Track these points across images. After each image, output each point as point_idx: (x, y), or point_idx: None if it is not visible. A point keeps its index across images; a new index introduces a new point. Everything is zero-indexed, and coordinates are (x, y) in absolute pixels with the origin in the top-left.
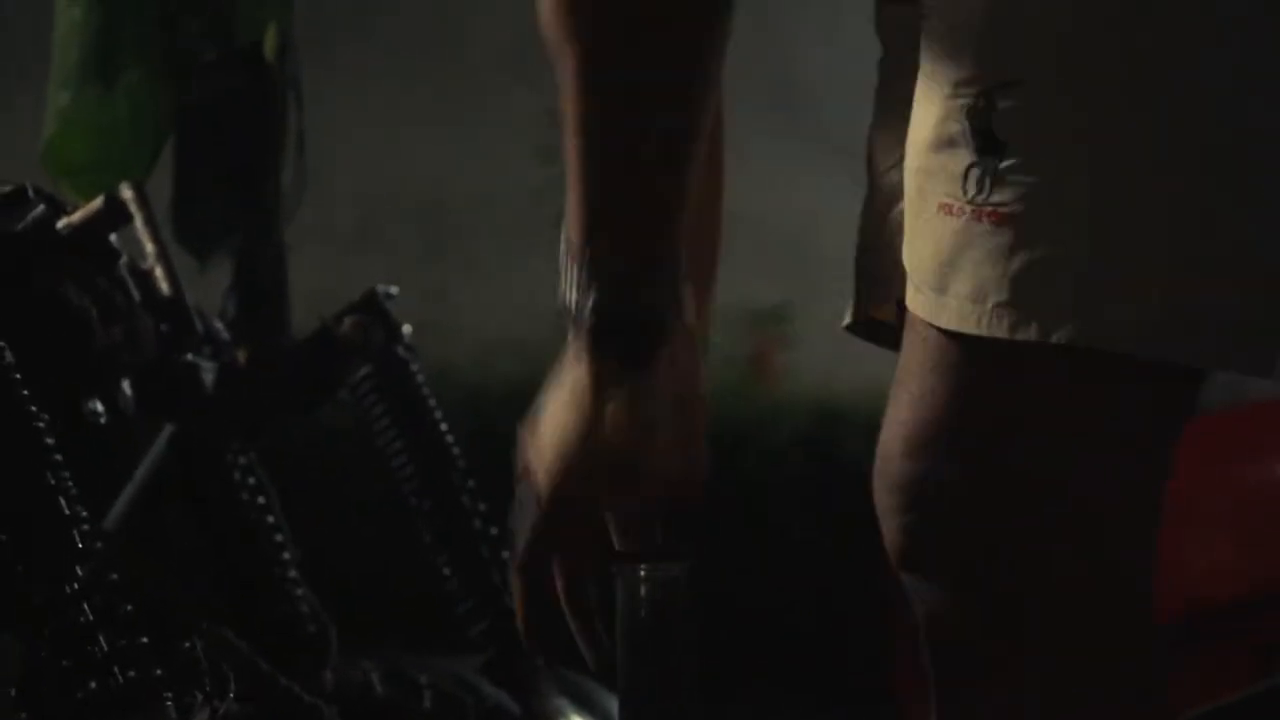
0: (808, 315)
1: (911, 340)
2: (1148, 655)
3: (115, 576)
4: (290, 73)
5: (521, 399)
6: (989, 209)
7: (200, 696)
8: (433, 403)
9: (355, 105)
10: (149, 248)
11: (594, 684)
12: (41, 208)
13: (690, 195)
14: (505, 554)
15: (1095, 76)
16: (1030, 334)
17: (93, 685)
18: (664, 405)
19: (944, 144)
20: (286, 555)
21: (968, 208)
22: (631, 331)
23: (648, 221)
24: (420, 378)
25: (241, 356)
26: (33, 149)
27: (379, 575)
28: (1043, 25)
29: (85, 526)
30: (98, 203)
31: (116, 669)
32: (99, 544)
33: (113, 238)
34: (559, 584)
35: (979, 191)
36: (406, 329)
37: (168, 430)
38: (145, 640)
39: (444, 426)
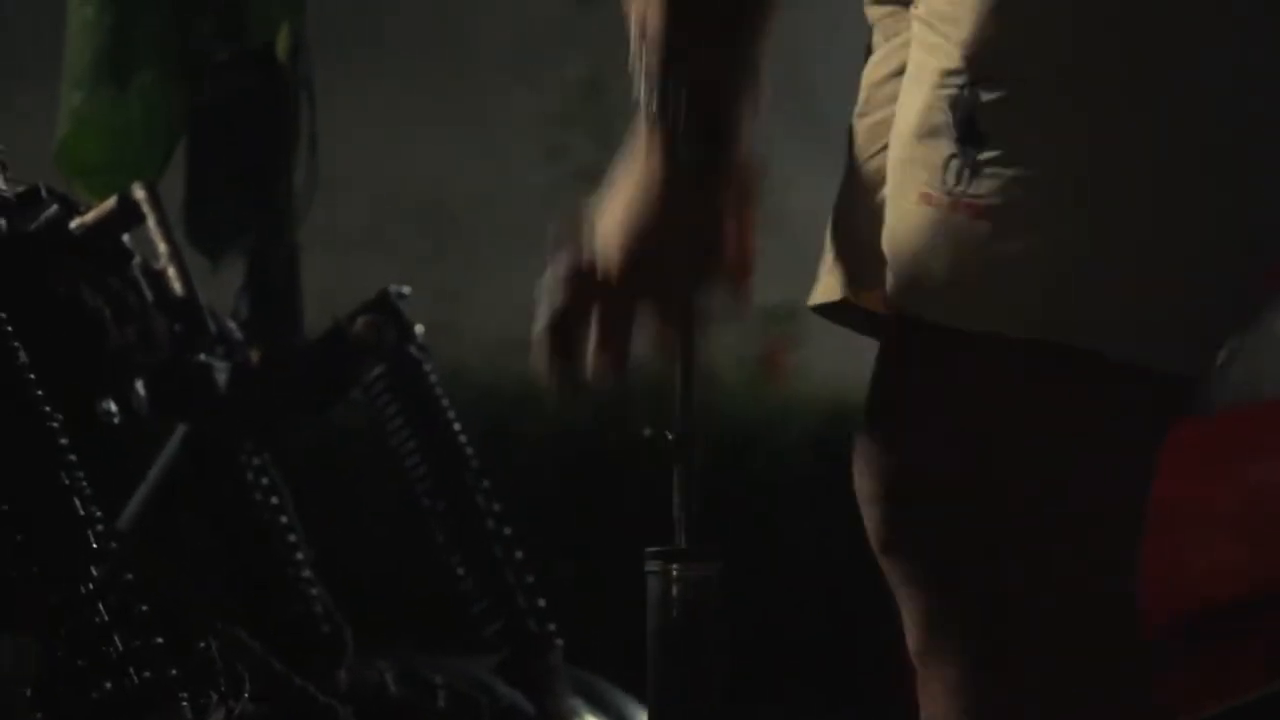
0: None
1: (892, 323)
2: (1145, 655)
3: (130, 577)
4: (302, 73)
5: (532, 399)
6: (966, 200)
7: (215, 697)
8: (446, 402)
9: (363, 106)
10: (162, 248)
11: (608, 684)
12: (55, 208)
13: (770, 29)
14: (519, 554)
15: (1080, 73)
16: (998, 327)
17: (108, 685)
18: (730, 193)
19: (927, 133)
20: (300, 555)
21: (946, 198)
22: (708, 119)
23: (725, 27)
24: (433, 377)
25: (254, 356)
26: (46, 149)
27: (393, 575)
28: (1030, 20)
29: (100, 527)
30: (111, 203)
31: (132, 669)
32: (113, 544)
33: (125, 238)
34: (596, 336)
35: (958, 182)
36: (419, 328)
37: (181, 430)
38: (160, 640)
39: (457, 426)
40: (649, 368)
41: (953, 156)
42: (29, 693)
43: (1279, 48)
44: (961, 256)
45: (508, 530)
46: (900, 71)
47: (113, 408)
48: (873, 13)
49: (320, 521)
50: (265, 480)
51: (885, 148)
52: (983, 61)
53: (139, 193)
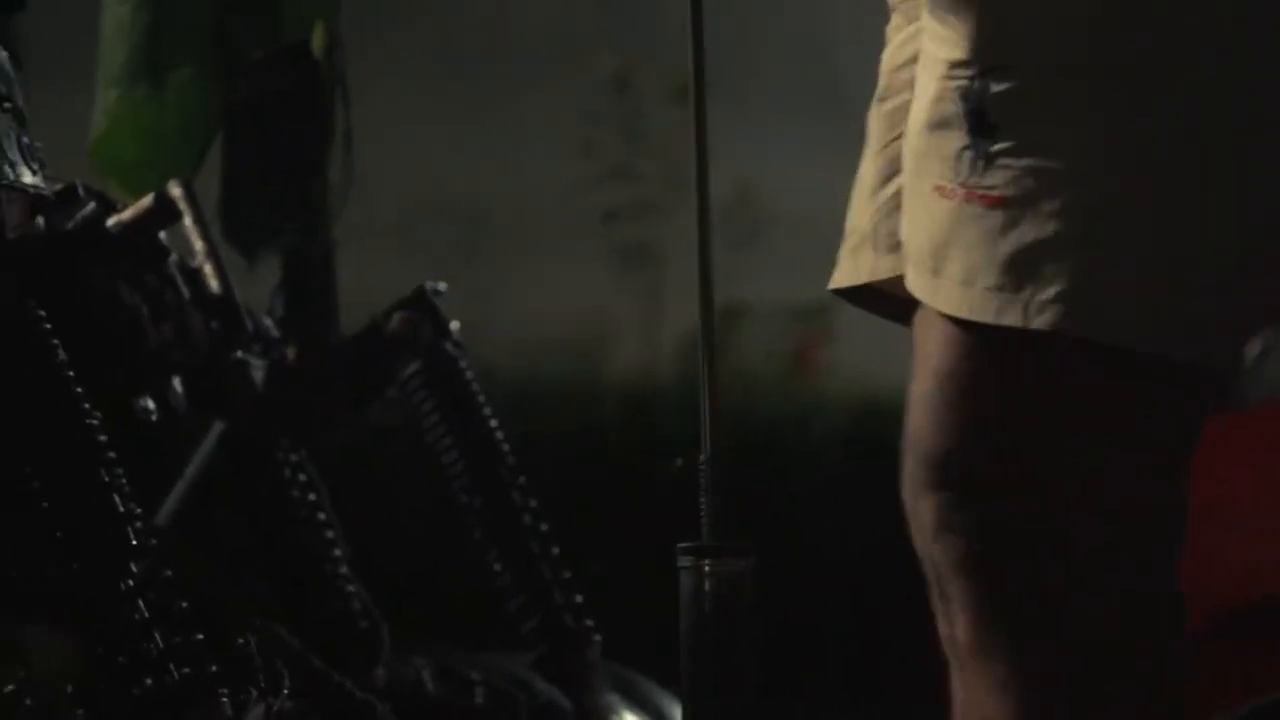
0: (848, 311)
1: (921, 315)
2: (1176, 654)
3: (169, 574)
4: (338, 71)
5: (564, 397)
6: (980, 191)
7: (254, 693)
8: (482, 399)
9: (394, 103)
10: (198, 245)
11: (645, 679)
12: (92, 206)
13: None
14: (555, 549)
15: (1088, 62)
16: (1014, 319)
17: (148, 682)
18: None
19: (938, 125)
20: (337, 552)
21: (960, 190)
22: None
23: None
24: (469, 374)
25: (291, 354)
26: (82, 148)
27: (429, 572)
28: (1035, 11)
29: (139, 524)
30: (147, 201)
31: (172, 666)
32: (153, 541)
33: (162, 235)
34: None
35: (971, 174)
36: (455, 325)
37: (218, 428)
38: (200, 637)
39: (493, 423)
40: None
41: (965, 148)
42: (70, 689)
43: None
44: (977, 248)
45: (544, 526)
46: (916, 58)
47: (150, 405)
48: None
49: (357, 518)
50: (302, 477)
51: (902, 135)
52: (990, 53)
53: (175, 191)
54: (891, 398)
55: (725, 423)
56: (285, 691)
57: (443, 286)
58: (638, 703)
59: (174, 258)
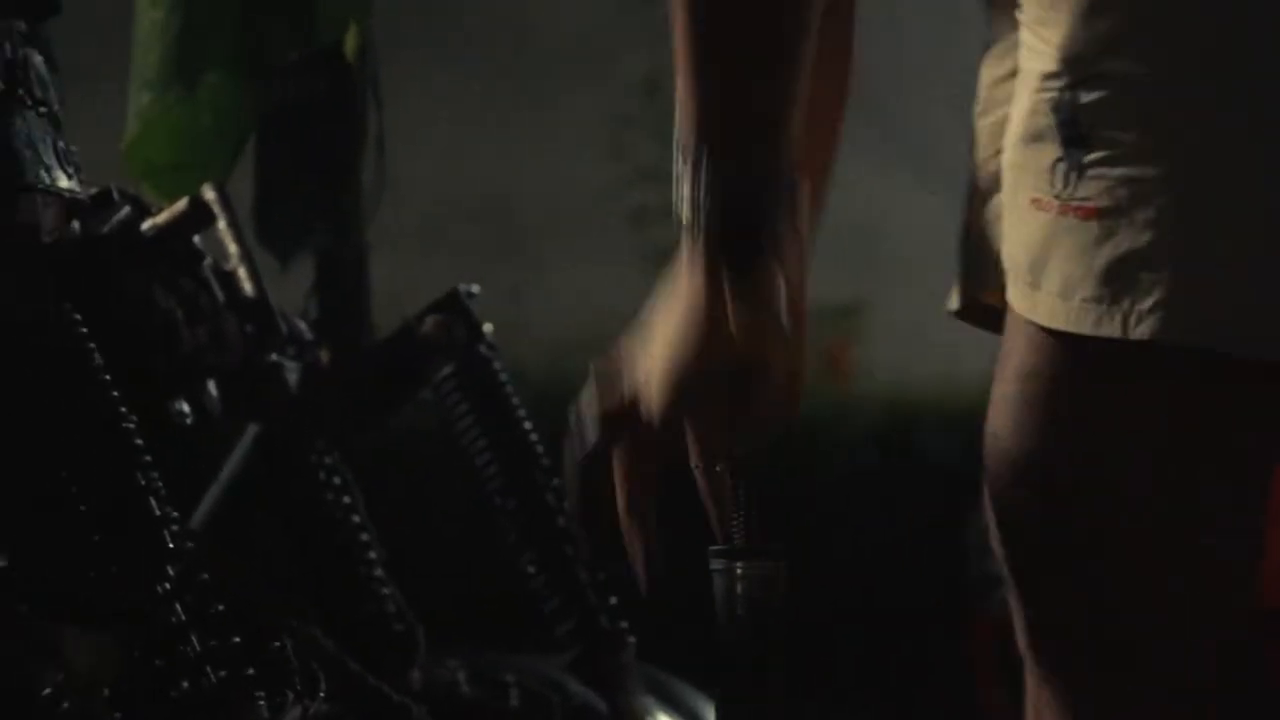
0: (879, 311)
1: (1013, 324)
2: (1242, 662)
3: (205, 577)
4: (370, 73)
5: None
6: (1075, 204)
7: (291, 696)
8: (515, 401)
9: (425, 106)
10: (232, 249)
11: (680, 682)
12: (127, 210)
13: (801, 97)
14: (590, 550)
15: (1176, 70)
16: (1114, 330)
17: (185, 685)
18: (778, 314)
19: (1033, 138)
20: (372, 555)
21: (1055, 202)
22: (749, 238)
23: (760, 123)
24: (503, 376)
25: (325, 357)
26: (116, 151)
27: (464, 574)
28: (1123, 21)
29: (175, 527)
30: (182, 204)
31: (208, 669)
32: (189, 544)
33: (196, 239)
34: (621, 495)
35: (1065, 186)
36: (488, 327)
37: (252, 430)
38: (236, 640)
39: (527, 425)
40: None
41: (1059, 160)
42: (107, 693)
43: None
44: (1075, 260)
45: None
46: (1015, 73)
47: (185, 408)
48: (990, 13)
49: (391, 521)
50: (337, 480)
51: (1001, 149)
52: (1079, 64)
53: (209, 194)
54: (920, 400)
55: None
56: (321, 694)
57: (476, 289)
58: (673, 705)
59: (208, 261)
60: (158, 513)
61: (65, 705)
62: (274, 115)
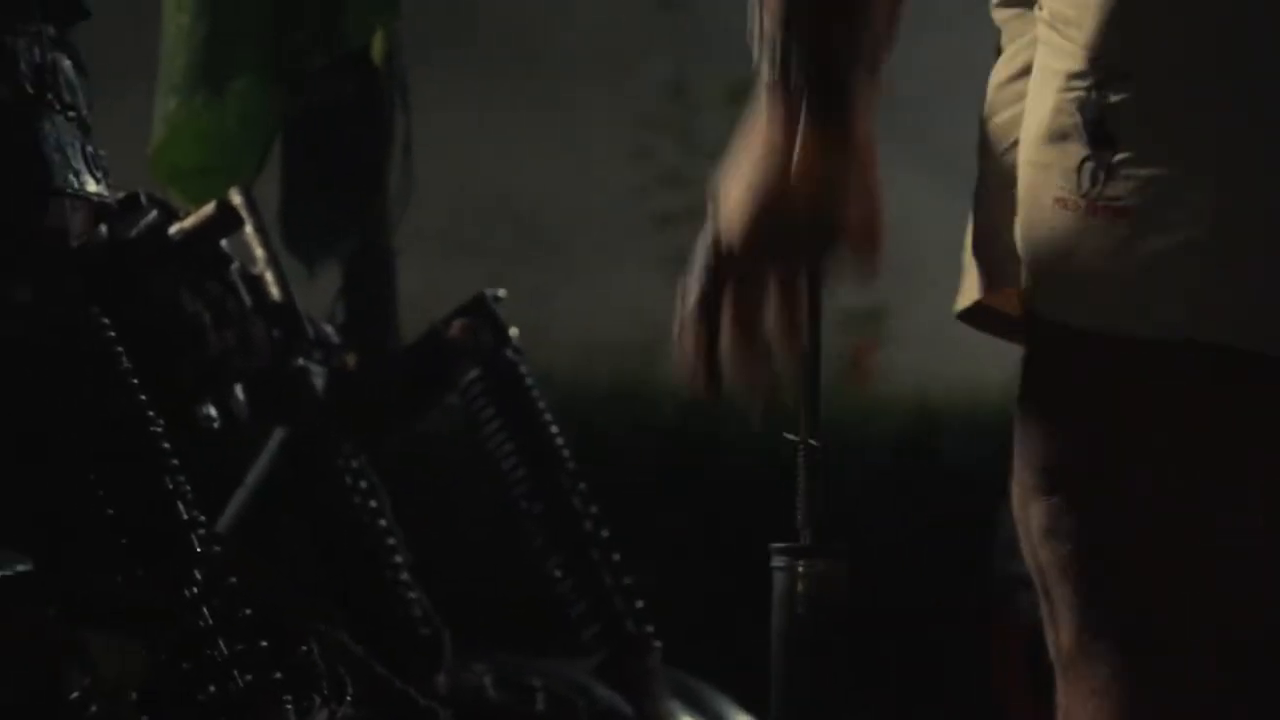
0: (903, 315)
1: (1035, 324)
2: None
3: (233, 581)
4: (397, 77)
5: (621, 401)
6: (1103, 203)
7: (318, 700)
8: (542, 405)
9: (448, 109)
10: (259, 253)
11: (706, 686)
12: (154, 214)
13: None
14: (616, 556)
15: (1205, 69)
16: (1143, 329)
17: (212, 689)
18: (854, 160)
19: (1057, 137)
20: (399, 559)
21: (1082, 202)
22: (830, 86)
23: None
24: (529, 380)
25: (351, 361)
26: (144, 155)
27: (490, 578)
28: (1151, 20)
29: (203, 531)
30: (209, 209)
31: (236, 673)
32: (216, 549)
33: (223, 243)
34: (731, 327)
35: (1093, 185)
36: (514, 331)
37: (279, 434)
38: (263, 644)
39: (554, 429)
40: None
41: (1086, 159)
42: (134, 696)
43: None
44: (1102, 260)
45: (605, 532)
46: (1024, 72)
47: (213, 413)
48: (999, 15)
49: (417, 525)
50: (363, 484)
51: (1013, 146)
52: (1107, 63)
53: (237, 198)
54: (945, 403)
55: (776, 427)
56: (348, 698)
57: (502, 293)
58: (698, 709)
59: (235, 265)
60: (185, 516)
61: (93, 708)
62: (301, 120)
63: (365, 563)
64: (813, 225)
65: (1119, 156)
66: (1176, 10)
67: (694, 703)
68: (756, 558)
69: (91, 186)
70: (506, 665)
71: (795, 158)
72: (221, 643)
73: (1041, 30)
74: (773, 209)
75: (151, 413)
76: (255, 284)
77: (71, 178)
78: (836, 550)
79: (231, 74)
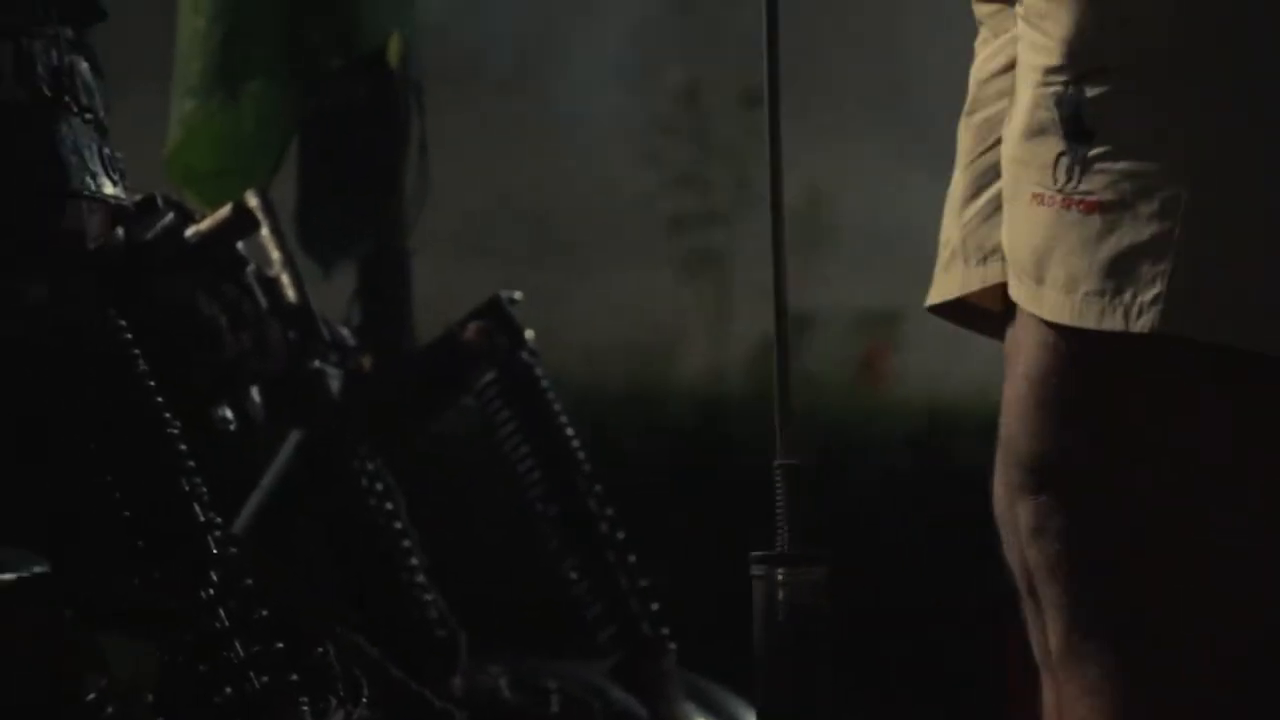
0: (917, 317)
1: (1020, 321)
2: (1269, 657)
3: (249, 583)
4: (413, 80)
5: (634, 403)
6: (1078, 198)
7: (334, 701)
8: (557, 407)
9: (462, 111)
10: (275, 255)
11: (721, 688)
12: (171, 216)
13: None
14: (631, 558)
15: (1180, 64)
16: (1116, 323)
17: (228, 690)
18: None
19: (1035, 132)
20: (414, 561)
21: (1058, 197)
22: None
23: None
24: (544, 382)
25: (367, 363)
26: (158, 156)
27: (506, 580)
28: (1127, 14)
29: (219, 533)
30: (225, 211)
31: (252, 674)
32: (232, 550)
33: (239, 245)
34: None
35: (1069, 180)
36: (529, 334)
37: (295, 437)
38: (279, 646)
39: (569, 431)
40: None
41: (1062, 154)
42: (150, 698)
43: None
44: (1078, 254)
45: (620, 535)
46: (1008, 68)
47: (229, 414)
48: (980, 10)
49: (433, 527)
50: (379, 486)
51: (996, 144)
52: (1083, 58)
53: (252, 201)
54: (959, 405)
55: (793, 429)
56: (364, 700)
57: (518, 295)
58: (713, 711)
59: (251, 267)
60: (201, 518)
61: (109, 710)
62: (316, 122)
63: (381, 564)
64: None
65: (1094, 151)
66: (1151, 6)
67: (708, 705)
68: None
69: (108, 189)
70: (522, 667)
71: None
72: (238, 644)
73: (1020, 25)
74: None
75: (168, 414)
76: (271, 286)
77: (88, 180)
78: (816, 557)
79: (247, 76)
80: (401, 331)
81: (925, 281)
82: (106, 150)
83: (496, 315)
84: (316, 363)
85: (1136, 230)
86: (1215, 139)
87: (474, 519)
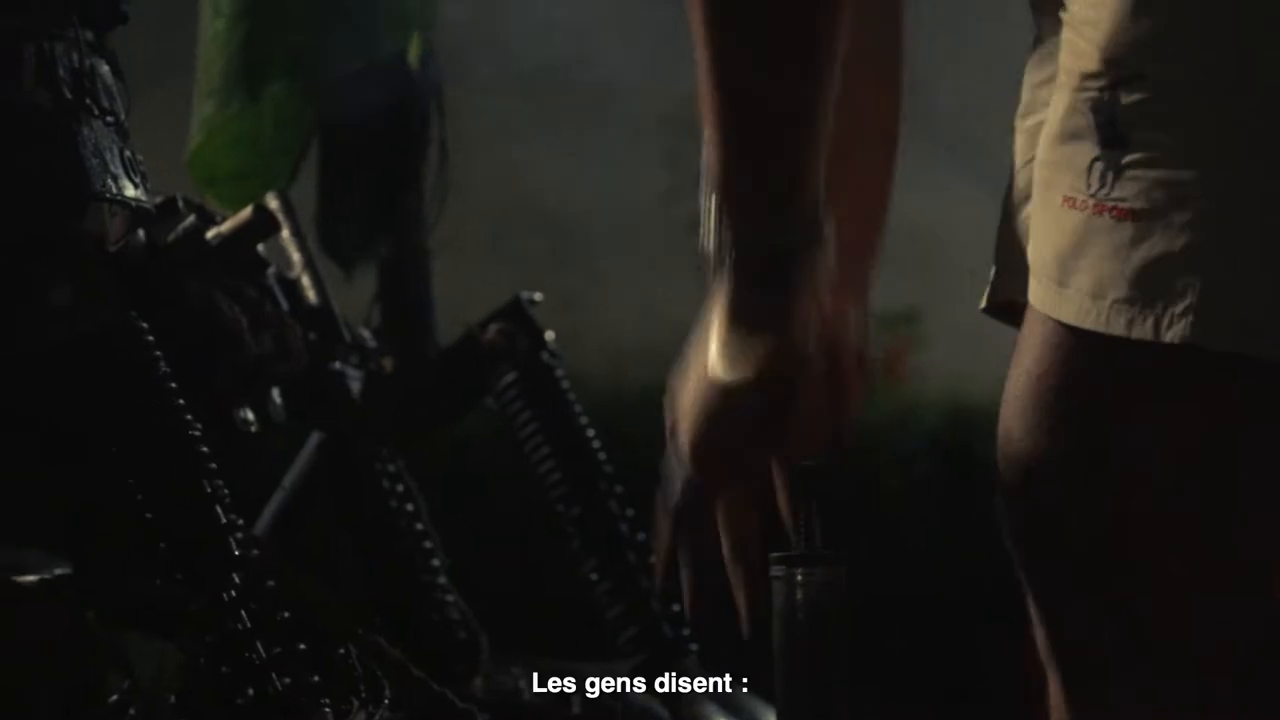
0: (938, 317)
1: (1031, 322)
2: (1270, 668)
3: (271, 584)
4: (433, 82)
5: (653, 406)
6: (1110, 204)
7: (356, 702)
8: (578, 408)
9: (482, 112)
10: (296, 257)
11: (742, 690)
12: (191, 218)
13: (823, 146)
14: (652, 558)
15: (1218, 73)
16: (1145, 332)
17: (250, 692)
18: (807, 347)
19: (1069, 137)
20: (436, 562)
21: (1090, 202)
22: (772, 261)
23: (780, 163)
24: (565, 384)
25: (388, 364)
26: (179, 158)
27: (527, 581)
28: (1167, 22)
29: (241, 535)
30: (246, 213)
31: (274, 676)
32: (254, 552)
33: (260, 247)
34: (724, 542)
35: (1101, 186)
36: (550, 335)
37: (316, 438)
38: (301, 647)
39: (590, 433)
40: None
41: (1096, 160)
42: (173, 699)
43: None
44: (1108, 260)
45: (641, 536)
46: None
47: (250, 416)
48: (1036, 5)
49: (454, 528)
50: (400, 487)
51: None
52: (1121, 64)
53: (273, 203)
54: (979, 405)
55: None
56: (386, 701)
57: (538, 296)
58: (735, 713)
59: (272, 269)
60: (223, 520)
61: (132, 712)
62: (337, 124)
63: (402, 565)
64: (760, 426)
65: (1129, 158)
66: (1190, 13)
67: (730, 706)
68: None
69: (130, 191)
70: (543, 668)
71: (738, 346)
72: (259, 645)
73: (1065, 32)
74: (718, 406)
75: (189, 416)
76: (292, 288)
77: (110, 182)
78: (836, 558)
79: (268, 79)
80: (422, 333)
81: (946, 281)
82: (128, 153)
83: (517, 316)
84: (337, 364)
85: (1169, 239)
86: (1251, 150)
87: (495, 520)
